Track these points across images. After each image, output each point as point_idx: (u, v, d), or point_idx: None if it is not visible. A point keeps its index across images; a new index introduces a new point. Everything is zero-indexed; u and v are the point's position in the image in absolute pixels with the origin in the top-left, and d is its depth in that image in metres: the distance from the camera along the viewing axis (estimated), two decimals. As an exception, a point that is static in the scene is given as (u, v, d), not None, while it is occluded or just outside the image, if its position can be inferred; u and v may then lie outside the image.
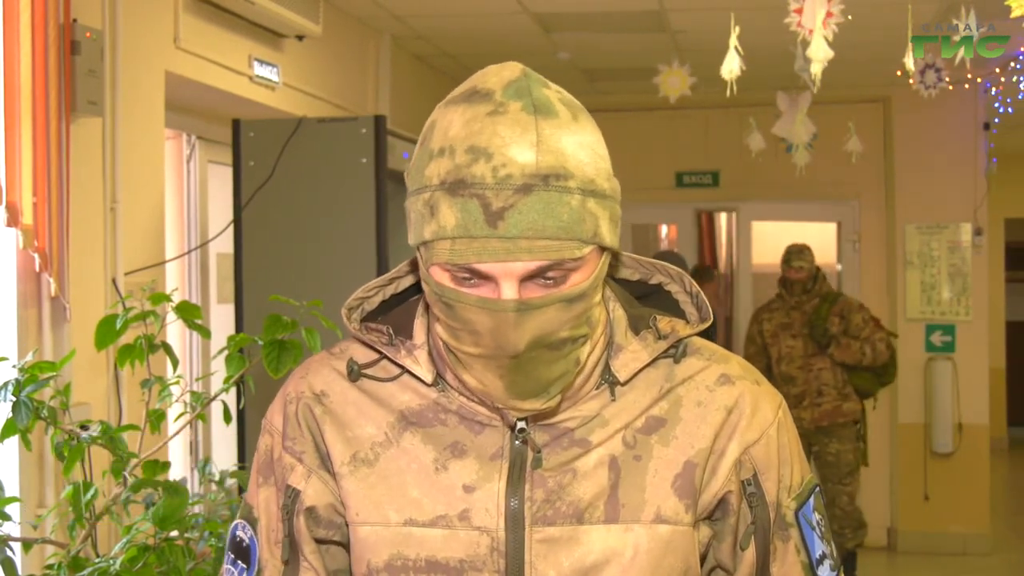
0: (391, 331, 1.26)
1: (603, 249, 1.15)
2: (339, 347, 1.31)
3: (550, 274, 1.10)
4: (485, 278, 1.10)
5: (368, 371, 1.26)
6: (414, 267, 1.31)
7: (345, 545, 1.26)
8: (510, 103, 1.10)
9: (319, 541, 1.27)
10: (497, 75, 1.13)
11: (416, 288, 1.31)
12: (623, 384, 1.23)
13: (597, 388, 1.23)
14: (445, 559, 1.18)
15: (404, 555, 1.19)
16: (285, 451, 1.27)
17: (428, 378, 1.23)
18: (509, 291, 1.10)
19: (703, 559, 1.26)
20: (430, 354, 1.24)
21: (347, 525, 1.24)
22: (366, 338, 1.26)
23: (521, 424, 1.19)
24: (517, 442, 1.20)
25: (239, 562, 1.30)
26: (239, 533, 1.30)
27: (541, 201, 1.07)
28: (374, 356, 1.27)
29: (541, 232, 1.07)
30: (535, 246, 1.08)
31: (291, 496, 1.25)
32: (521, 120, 1.08)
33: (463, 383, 1.19)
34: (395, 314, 1.29)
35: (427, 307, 1.25)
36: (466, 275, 1.10)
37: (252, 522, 1.29)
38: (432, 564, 1.19)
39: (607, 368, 1.23)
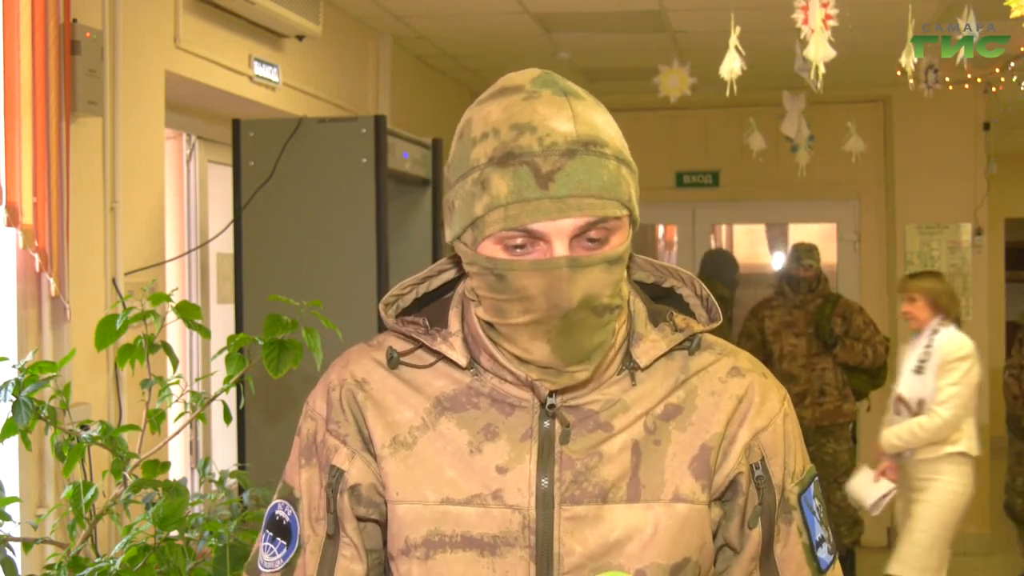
0: (427, 322, 1.34)
1: (631, 223, 1.25)
2: (377, 340, 1.40)
3: (593, 235, 1.19)
4: (536, 241, 1.19)
5: (406, 359, 1.34)
6: (444, 267, 1.39)
7: (381, 524, 1.33)
8: (541, 90, 1.22)
9: (358, 519, 1.33)
10: (521, 75, 1.25)
11: (446, 287, 1.39)
12: (643, 370, 1.31)
13: (619, 374, 1.31)
14: (480, 535, 1.26)
15: (441, 531, 1.27)
16: (329, 434, 1.34)
17: (463, 362, 1.31)
18: (561, 248, 1.18)
19: (713, 538, 1.33)
20: (464, 340, 1.32)
21: (386, 504, 1.31)
22: (403, 329, 1.35)
23: (551, 400, 1.26)
24: (546, 423, 1.27)
25: (278, 539, 1.36)
26: (279, 512, 1.36)
27: (584, 164, 1.18)
28: (410, 345, 1.36)
29: (587, 191, 1.17)
30: (583, 203, 1.17)
31: (335, 475, 1.32)
32: (555, 101, 1.21)
33: (497, 360, 1.27)
34: (429, 309, 1.37)
35: (461, 299, 1.34)
36: (518, 242, 1.19)
37: (293, 501, 1.35)
38: (468, 540, 1.26)
39: (628, 355, 1.31)
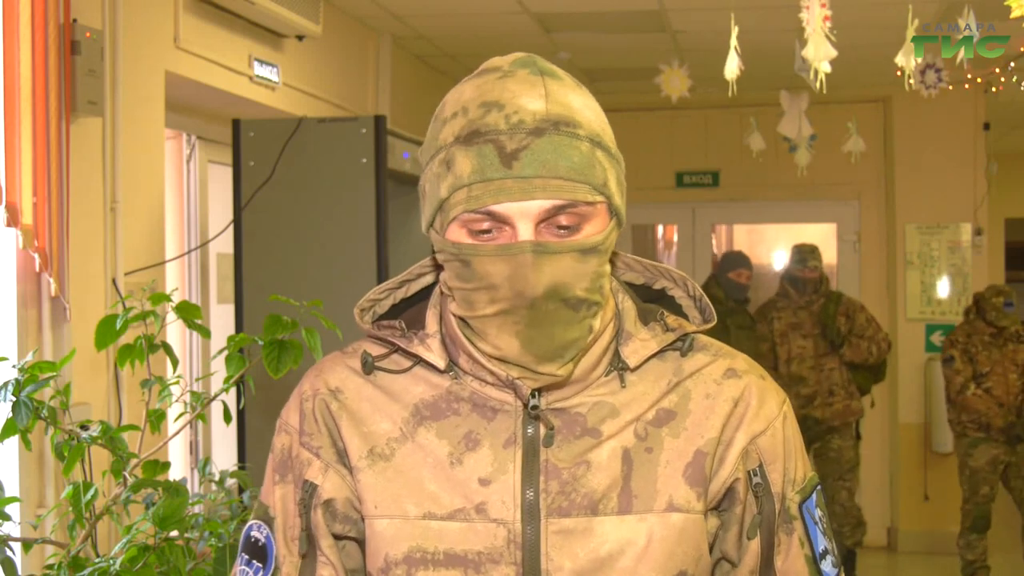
0: (403, 325, 1.28)
1: (613, 214, 1.18)
2: (352, 347, 1.33)
3: (564, 221, 1.13)
4: (502, 224, 1.13)
5: (381, 363, 1.28)
6: (424, 270, 1.33)
7: (360, 542, 1.27)
8: (517, 70, 1.17)
9: (336, 537, 1.27)
10: (504, 57, 1.20)
11: (426, 292, 1.33)
12: (632, 370, 1.25)
13: (607, 375, 1.24)
14: (464, 551, 1.20)
15: (423, 548, 1.21)
16: (302, 447, 1.28)
17: (441, 364, 1.24)
18: (526, 232, 1.12)
19: (710, 550, 1.27)
20: (443, 341, 1.26)
21: (363, 520, 1.25)
22: (379, 334, 1.28)
23: (534, 402, 1.20)
24: (529, 429, 1.21)
25: (254, 562, 1.29)
26: (254, 533, 1.30)
27: (553, 143, 1.12)
28: (386, 350, 1.29)
29: (554, 171, 1.11)
30: (549, 184, 1.11)
31: (308, 490, 1.26)
32: (529, 79, 1.15)
33: (477, 360, 1.21)
34: (408, 313, 1.31)
35: (439, 297, 1.28)
36: (484, 226, 1.13)
37: (268, 521, 1.29)
38: (451, 557, 1.20)
39: (617, 355, 1.25)
